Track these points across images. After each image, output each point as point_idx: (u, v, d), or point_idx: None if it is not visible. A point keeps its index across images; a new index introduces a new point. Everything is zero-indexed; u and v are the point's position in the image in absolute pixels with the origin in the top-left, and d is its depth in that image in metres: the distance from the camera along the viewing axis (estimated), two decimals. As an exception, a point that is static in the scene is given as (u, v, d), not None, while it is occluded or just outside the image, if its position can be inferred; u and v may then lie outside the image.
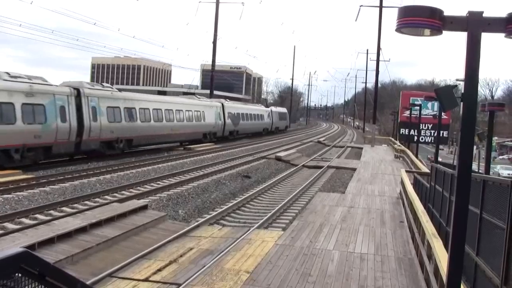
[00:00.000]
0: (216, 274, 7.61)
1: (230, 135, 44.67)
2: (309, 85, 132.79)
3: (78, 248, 9.25)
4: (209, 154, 29.74)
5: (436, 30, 3.46)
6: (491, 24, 3.43)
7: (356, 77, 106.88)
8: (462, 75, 3.59)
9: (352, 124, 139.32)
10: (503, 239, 4.72)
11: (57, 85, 22.72)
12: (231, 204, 15.97)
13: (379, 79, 61.15)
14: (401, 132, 39.13)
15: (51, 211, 13.05)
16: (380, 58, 54.47)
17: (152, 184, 18.18)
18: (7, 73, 19.77)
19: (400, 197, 15.67)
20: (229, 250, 9.11)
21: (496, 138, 68.24)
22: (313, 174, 23.95)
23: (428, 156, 53.25)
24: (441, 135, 31.37)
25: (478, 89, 3.89)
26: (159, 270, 8.05)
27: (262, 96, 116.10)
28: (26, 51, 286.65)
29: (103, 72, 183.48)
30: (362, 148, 42.49)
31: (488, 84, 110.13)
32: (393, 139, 46.99)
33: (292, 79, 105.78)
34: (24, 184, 15.93)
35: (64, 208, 13.49)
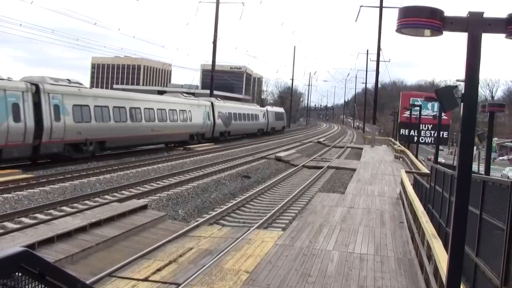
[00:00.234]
0: (215, 274, 7.61)
1: (221, 136, 42.48)
2: (309, 85, 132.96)
3: (77, 248, 9.25)
4: (209, 154, 29.76)
5: (437, 31, 3.46)
6: (491, 24, 3.43)
7: (356, 78, 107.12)
8: (462, 76, 3.59)
9: (352, 125, 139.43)
10: (503, 240, 4.72)
11: (10, 79, 20.23)
12: (230, 204, 15.97)
13: (379, 79, 61.26)
14: (401, 133, 39.11)
15: (51, 211, 13.05)
16: (380, 59, 54.55)
17: (152, 184, 18.18)
18: None
19: (400, 197, 15.67)
20: (229, 250, 9.11)
21: (496, 138, 68.30)
22: (313, 175, 23.95)
23: (428, 156, 53.27)
24: (441, 135, 31.34)
25: (478, 90, 3.90)
26: (159, 270, 8.05)
27: (262, 96, 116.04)
28: (26, 51, 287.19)
29: (103, 72, 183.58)
30: (362, 149, 42.49)
31: (488, 85, 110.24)
32: (393, 140, 46.98)
33: (292, 79, 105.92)
34: (24, 183, 15.92)
35: (64, 208, 13.50)
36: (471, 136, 3.64)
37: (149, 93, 45.37)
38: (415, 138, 32.73)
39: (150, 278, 7.62)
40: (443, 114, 26.42)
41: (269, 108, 64.80)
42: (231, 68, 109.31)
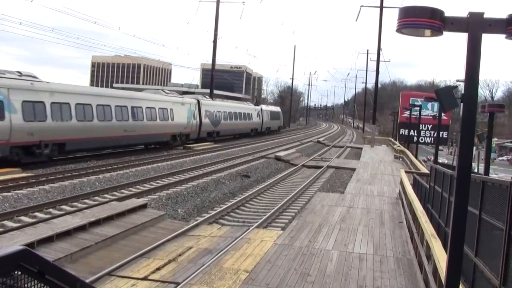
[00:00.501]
0: (215, 273, 7.61)
1: (209, 136, 38.93)
2: (309, 85, 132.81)
3: (77, 247, 9.26)
4: (209, 153, 29.77)
5: (437, 31, 3.46)
6: (491, 25, 3.44)
7: (356, 77, 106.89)
8: (462, 76, 3.60)
9: (352, 124, 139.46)
10: (502, 240, 4.73)
11: None
12: (230, 204, 15.97)
13: (379, 79, 61.13)
14: (400, 133, 39.10)
15: (50, 210, 13.06)
16: (380, 59, 54.38)
17: (151, 183, 18.18)
18: None
19: (399, 197, 15.68)
20: (228, 249, 9.12)
21: (495, 139, 68.36)
22: (313, 174, 23.96)
23: (428, 157, 53.27)
24: (440, 136, 31.35)
25: (478, 90, 3.90)
26: (158, 269, 8.05)
27: (262, 96, 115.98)
28: (26, 50, 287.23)
29: (103, 70, 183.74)
30: (361, 148, 42.51)
31: (488, 85, 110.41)
32: (392, 140, 47.00)
33: (292, 79, 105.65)
34: (24, 182, 15.93)
35: (63, 207, 13.51)
36: (471, 136, 3.64)
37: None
38: (415, 138, 32.72)
39: (149, 277, 7.63)
40: (442, 114, 26.45)
41: (264, 107, 61.52)
42: (231, 67, 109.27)
